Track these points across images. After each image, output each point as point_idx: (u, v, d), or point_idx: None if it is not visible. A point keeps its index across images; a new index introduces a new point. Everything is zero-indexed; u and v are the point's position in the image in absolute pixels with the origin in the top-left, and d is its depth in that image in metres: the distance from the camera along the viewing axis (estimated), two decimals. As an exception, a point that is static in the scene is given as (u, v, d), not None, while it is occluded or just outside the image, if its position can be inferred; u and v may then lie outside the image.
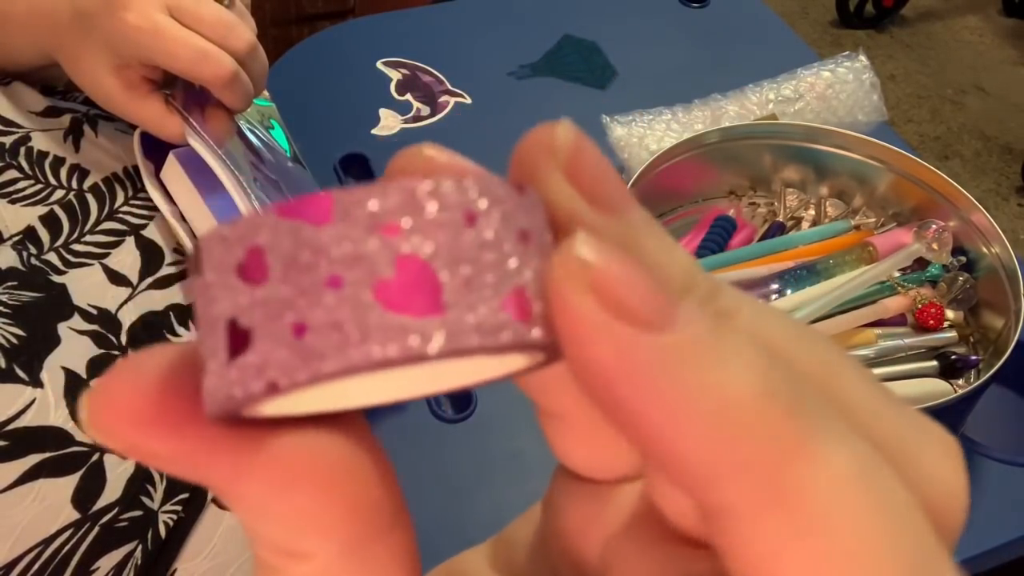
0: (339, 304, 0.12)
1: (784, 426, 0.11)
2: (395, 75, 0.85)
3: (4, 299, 0.48)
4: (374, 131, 0.80)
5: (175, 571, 0.49)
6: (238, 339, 0.12)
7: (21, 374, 0.46)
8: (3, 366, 0.45)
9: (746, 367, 0.12)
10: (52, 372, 0.47)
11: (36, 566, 0.44)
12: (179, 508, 0.50)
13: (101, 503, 0.46)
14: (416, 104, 0.82)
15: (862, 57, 0.76)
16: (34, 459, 0.45)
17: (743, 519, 0.11)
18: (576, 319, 0.12)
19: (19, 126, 0.57)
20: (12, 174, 0.55)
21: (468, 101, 0.83)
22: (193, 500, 0.51)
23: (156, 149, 0.59)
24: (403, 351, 0.12)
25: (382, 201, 0.12)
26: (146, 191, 0.58)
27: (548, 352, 0.13)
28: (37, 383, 0.46)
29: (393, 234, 0.12)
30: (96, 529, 0.46)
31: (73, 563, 0.45)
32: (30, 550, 0.44)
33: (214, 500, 0.52)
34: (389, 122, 0.81)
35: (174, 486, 0.50)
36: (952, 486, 0.13)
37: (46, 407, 0.46)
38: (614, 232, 0.13)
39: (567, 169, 0.13)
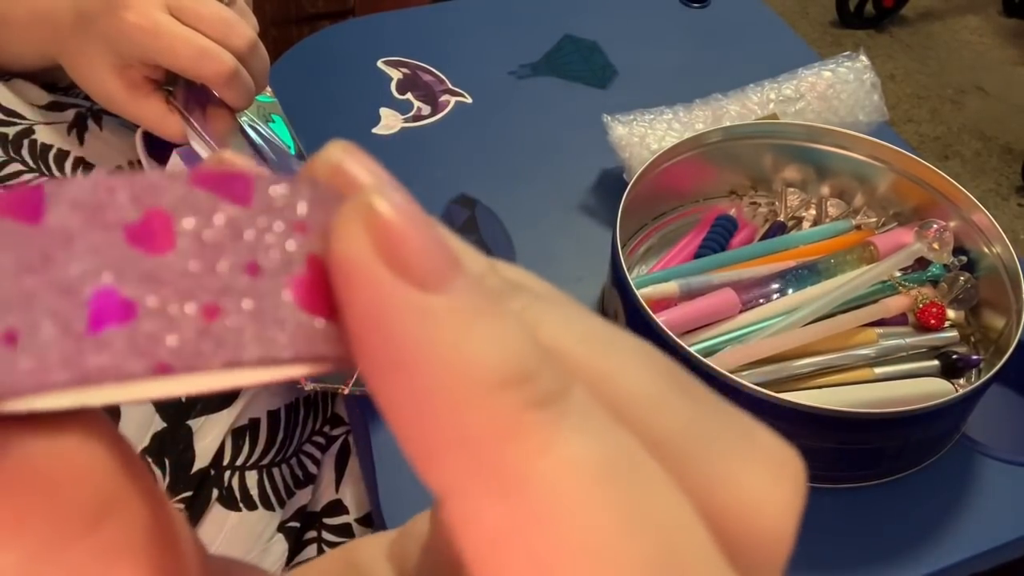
0: (258, 292, 0.11)
1: (521, 410, 0.11)
2: (395, 74, 0.85)
3: None
4: (375, 130, 0.80)
5: None
6: (111, 309, 0.10)
7: None
8: None
9: (502, 347, 0.11)
10: None
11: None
12: (181, 506, 0.50)
13: None
14: (417, 103, 0.82)
15: (863, 57, 0.76)
16: None
17: (465, 502, 0.11)
18: (344, 257, 0.11)
19: (22, 117, 0.57)
20: (15, 167, 0.55)
21: (469, 100, 0.83)
22: (196, 499, 0.51)
23: (160, 146, 0.59)
24: (312, 352, 0.11)
25: (300, 196, 0.12)
26: None
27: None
28: None
29: (305, 232, 0.12)
30: None
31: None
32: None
33: (218, 499, 0.52)
34: (390, 121, 0.81)
35: (177, 484, 0.50)
36: (763, 501, 0.12)
37: None
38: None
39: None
